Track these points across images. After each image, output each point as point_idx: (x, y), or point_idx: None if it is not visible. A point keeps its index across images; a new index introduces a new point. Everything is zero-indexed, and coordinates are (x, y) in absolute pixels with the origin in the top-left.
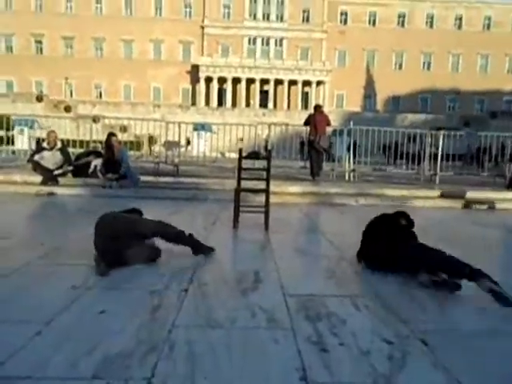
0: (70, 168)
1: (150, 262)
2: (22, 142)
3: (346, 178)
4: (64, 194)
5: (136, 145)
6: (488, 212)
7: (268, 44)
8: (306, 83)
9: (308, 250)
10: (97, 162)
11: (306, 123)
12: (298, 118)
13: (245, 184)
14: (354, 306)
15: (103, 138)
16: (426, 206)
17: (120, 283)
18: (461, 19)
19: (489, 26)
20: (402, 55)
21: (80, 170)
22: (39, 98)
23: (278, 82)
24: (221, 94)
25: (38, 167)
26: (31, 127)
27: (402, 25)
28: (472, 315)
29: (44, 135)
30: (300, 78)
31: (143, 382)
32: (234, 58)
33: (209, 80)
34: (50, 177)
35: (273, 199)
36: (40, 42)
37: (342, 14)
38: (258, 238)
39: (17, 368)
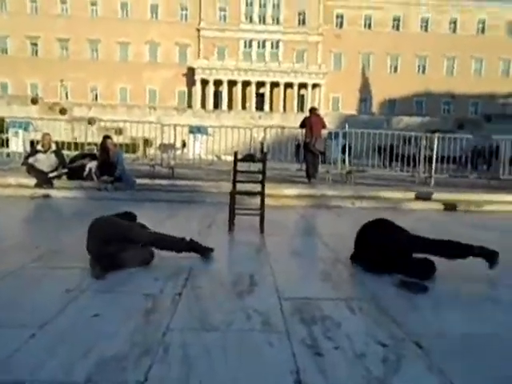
0: (65, 171)
1: (145, 265)
2: (17, 144)
3: (342, 180)
4: (59, 196)
5: (132, 147)
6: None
7: (264, 47)
8: (302, 86)
9: (303, 253)
10: (91, 165)
11: (302, 126)
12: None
13: (240, 187)
14: (349, 309)
15: (98, 140)
16: (420, 208)
17: (114, 286)
18: (455, 23)
19: (483, 30)
20: (397, 58)
21: (75, 172)
22: (34, 101)
23: (274, 85)
24: (217, 96)
25: (32, 170)
26: (26, 129)
27: (397, 28)
28: (467, 317)
29: (39, 137)
30: (296, 80)
31: None
32: (230, 60)
33: (205, 82)
34: (44, 179)
35: (269, 202)
36: (35, 44)
37: (337, 16)
38: (254, 241)
39: (11, 372)
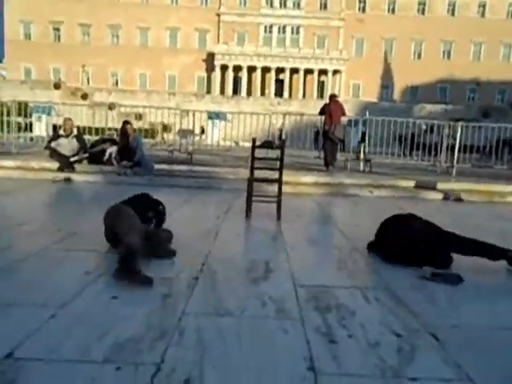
0: (86, 155)
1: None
2: (40, 128)
3: (361, 168)
4: (80, 180)
5: (151, 132)
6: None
7: (284, 32)
8: (322, 72)
9: (320, 241)
10: (112, 150)
11: (321, 113)
12: (314, 107)
13: (258, 173)
14: (364, 298)
15: (119, 125)
16: (437, 198)
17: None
18: (484, 6)
19: None
20: (422, 44)
21: (95, 157)
22: (57, 86)
23: (294, 71)
24: (236, 82)
25: (54, 154)
26: (49, 114)
27: (423, 12)
28: (485, 311)
29: (61, 122)
30: (316, 66)
31: (153, 366)
32: (249, 46)
33: (224, 68)
34: (66, 163)
35: (286, 189)
36: (58, 30)
37: (360, 1)
38: (270, 228)
39: (31, 350)
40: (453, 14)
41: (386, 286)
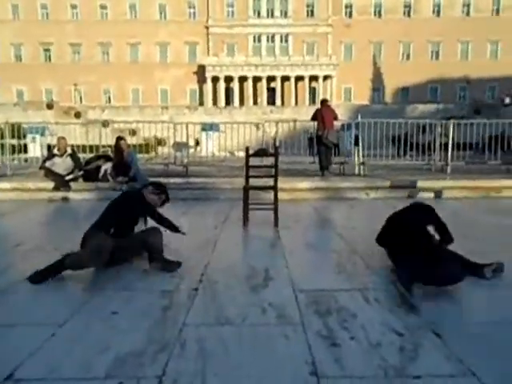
0: (81, 173)
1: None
2: (35, 149)
3: (356, 171)
4: (76, 198)
5: (145, 147)
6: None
7: (273, 41)
8: (313, 78)
9: (318, 245)
10: (107, 166)
11: (314, 118)
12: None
13: (254, 182)
14: (365, 300)
15: (113, 142)
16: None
17: (131, 284)
18: (468, 5)
19: (498, 11)
20: (410, 46)
21: (90, 174)
22: (50, 106)
23: (285, 79)
24: (228, 93)
25: (49, 173)
26: (42, 134)
27: (408, 14)
28: (486, 307)
29: (55, 141)
30: (307, 73)
31: (155, 380)
32: (239, 56)
33: (215, 80)
34: (61, 182)
35: (282, 196)
36: (48, 50)
37: (346, 6)
38: (268, 235)
39: (31, 370)
40: (438, 15)
41: (386, 287)
